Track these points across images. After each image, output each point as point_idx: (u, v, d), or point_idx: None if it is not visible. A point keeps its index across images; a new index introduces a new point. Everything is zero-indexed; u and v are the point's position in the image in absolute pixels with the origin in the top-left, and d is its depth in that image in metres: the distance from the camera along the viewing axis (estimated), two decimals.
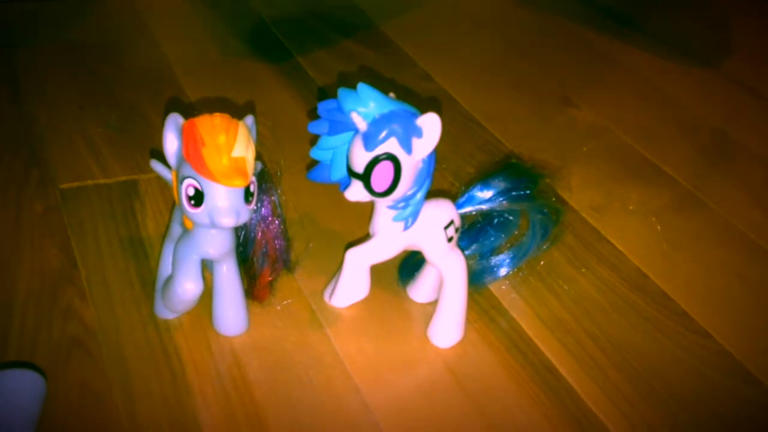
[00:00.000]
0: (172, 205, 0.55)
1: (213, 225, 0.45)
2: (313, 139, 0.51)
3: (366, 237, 0.53)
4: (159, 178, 0.66)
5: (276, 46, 0.93)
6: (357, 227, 0.62)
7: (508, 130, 0.81)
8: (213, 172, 0.43)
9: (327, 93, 0.48)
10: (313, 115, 0.49)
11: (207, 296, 0.52)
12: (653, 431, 0.50)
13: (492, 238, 0.57)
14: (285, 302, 0.56)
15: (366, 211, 0.65)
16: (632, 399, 0.52)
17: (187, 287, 0.48)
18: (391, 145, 0.46)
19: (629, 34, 1.07)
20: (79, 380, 0.48)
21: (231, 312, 0.52)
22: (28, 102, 0.76)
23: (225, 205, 0.44)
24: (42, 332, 0.50)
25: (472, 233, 0.57)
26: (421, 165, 0.48)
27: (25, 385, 0.40)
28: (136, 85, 0.82)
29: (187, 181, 0.44)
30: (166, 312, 0.53)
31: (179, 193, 0.45)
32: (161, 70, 0.85)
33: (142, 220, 0.62)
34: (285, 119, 0.77)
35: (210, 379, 0.49)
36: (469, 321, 0.55)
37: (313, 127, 0.50)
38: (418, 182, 0.49)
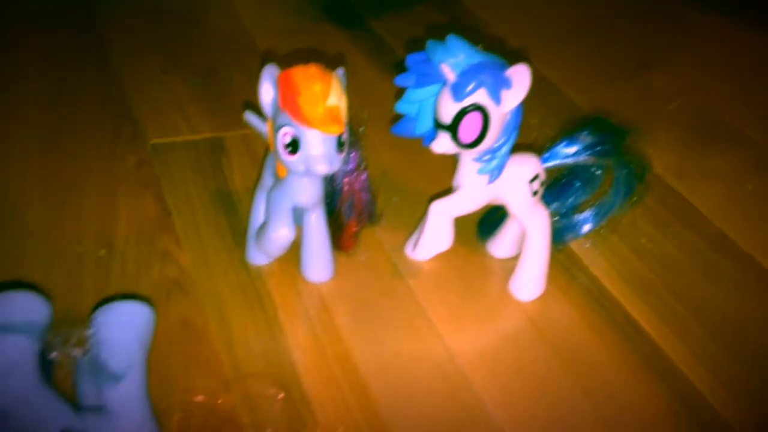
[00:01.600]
0: (263, 157, 0.57)
1: (307, 172, 0.47)
2: (395, 96, 0.52)
3: (448, 191, 0.54)
4: (244, 136, 0.69)
5: (349, 12, 0.95)
6: (435, 185, 0.63)
7: (585, 93, 0.81)
8: (309, 119, 0.45)
9: (403, 63, 0.49)
10: (398, 69, 0.50)
11: (296, 246, 0.54)
12: (737, 384, 0.50)
13: (575, 196, 0.57)
14: (368, 254, 0.58)
15: (443, 169, 0.65)
16: (715, 354, 0.52)
17: (281, 233, 0.50)
18: (480, 96, 0.47)
19: (709, 3, 1.04)
20: (180, 317, 0.50)
21: (319, 259, 0.54)
22: (115, 65, 0.79)
23: (320, 152, 0.46)
24: (142, 273, 0.53)
25: (554, 190, 0.57)
26: (508, 117, 0.49)
27: (138, 316, 0.42)
28: (215, 49, 0.84)
29: (283, 129, 0.46)
30: (257, 258, 0.55)
31: (275, 142, 0.47)
32: (239, 35, 0.87)
33: (230, 175, 0.64)
34: (359, 82, 0.79)
35: (300, 321, 0.51)
36: (550, 278, 0.56)
37: (400, 80, 0.51)
38: (504, 134, 0.49)
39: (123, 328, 0.41)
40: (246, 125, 0.51)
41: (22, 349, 0.37)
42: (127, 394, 0.39)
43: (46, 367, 0.39)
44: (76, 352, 0.38)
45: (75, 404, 0.38)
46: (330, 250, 0.54)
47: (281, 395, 0.45)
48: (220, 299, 0.52)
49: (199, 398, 0.43)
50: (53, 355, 0.38)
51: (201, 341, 0.49)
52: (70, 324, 0.39)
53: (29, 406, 0.35)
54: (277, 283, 0.54)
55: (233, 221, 0.59)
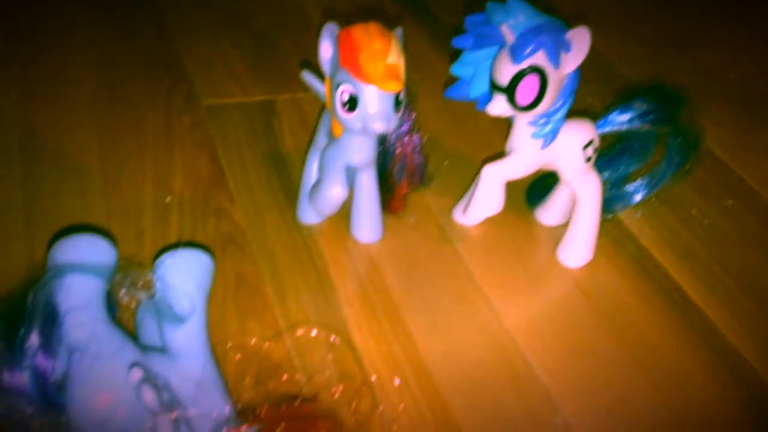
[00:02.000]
0: (315, 120, 0.58)
1: (365, 130, 0.47)
2: (446, 62, 0.52)
3: (498, 157, 0.54)
4: (294, 100, 0.69)
5: None
6: (484, 151, 0.63)
7: (636, 65, 0.80)
8: (369, 76, 0.45)
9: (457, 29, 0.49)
10: (455, 32, 0.50)
11: (346, 207, 0.55)
12: None
13: (626, 165, 0.57)
14: (416, 217, 0.58)
15: (493, 136, 0.66)
16: (762, 325, 0.52)
17: (335, 191, 0.51)
18: (539, 58, 0.47)
19: None
20: (234, 271, 0.52)
21: (369, 220, 0.55)
22: (169, 27, 0.80)
23: (377, 110, 0.46)
24: (198, 228, 0.55)
25: (606, 159, 0.57)
26: (566, 81, 0.49)
27: (199, 263, 0.44)
28: (267, 12, 0.85)
29: (342, 87, 0.47)
30: (309, 218, 0.56)
31: (333, 99, 0.48)
32: (290, 3, 0.88)
33: (281, 137, 0.65)
34: (409, 47, 0.79)
35: (350, 279, 0.52)
36: (598, 246, 0.56)
37: (458, 42, 0.51)
38: (561, 98, 0.49)
39: (185, 274, 0.42)
40: (298, 88, 0.52)
41: (92, 289, 0.38)
42: (189, 337, 0.40)
43: (110, 308, 0.41)
44: (141, 295, 0.40)
45: (139, 344, 0.39)
46: (380, 211, 0.55)
47: (335, 338, 0.46)
48: (272, 255, 0.53)
49: (254, 342, 0.45)
50: (120, 296, 0.40)
51: (254, 294, 0.50)
52: (135, 268, 0.41)
53: (99, 342, 0.36)
54: (328, 243, 0.55)
55: (285, 182, 0.60)
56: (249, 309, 0.49)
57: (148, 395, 0.32)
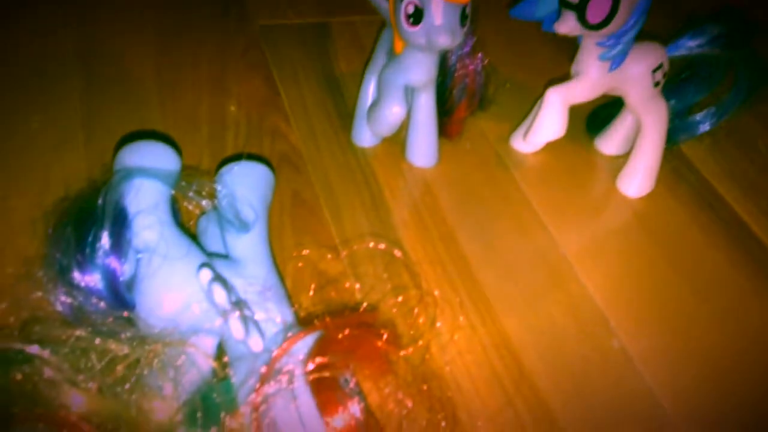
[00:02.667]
0: (373, 41, 0.57)
1: (429, 44, 0.46)
2: None
3: (563, 80, 0.53)
4: (349, 23, 0.68)
5: None
6: (544, 77, 0.61)
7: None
8: None
9: None
10: None
11: (401, 132, 0.54)
12: None
13: (693, 94, 0.55)
14: (472, 142, 0.58)
15: (554, 61, 0.64)
16: None
17: (394, 110, 0.50)
18: None
19: None
20: (291, 190, 0.52)
21: (425, 144, 0.54)
22: None
23: (443, 22, 0.45)
24: (254, 146, 0.54)
25: (672, 87, 0.55)
26: (638, 0, 0.47)
27: (261, 175, 0.44)
28: None
29: None
30: (364, 140, 0.56)
31: (397, 12, 0.46)
32: None
33: (335, 60, 0.64)
34: None
35: (405, 202, 0.52)
36: (659, 177, 0.55)
37: None
38: (632, 18, 0.47)
39: (248, 185, 0.42)
40: (352, 11, 0.51)
41: (159, 193, 0.39)
42: (252, 245, 0.40)
43: (174, 215, 0.41)
44: (205, 203, 0.40)
45: (204, 250, 0.40)
46: (436, 134, 0.54)
47: (398, 252, 0.46)
48: (327, 176, 0.53)
49: (313, 254, 0.45)
50: (185, 203, 0.40)
51: (310, 213, 0.50)
52: (199, 176, 0.41)
53: (168, 243, 0.37)
54: (382, 166, 0.55)
55: (339, 104, 0.60)
56: (305, 227, 0.49)
57: (220, 293, 0.33)
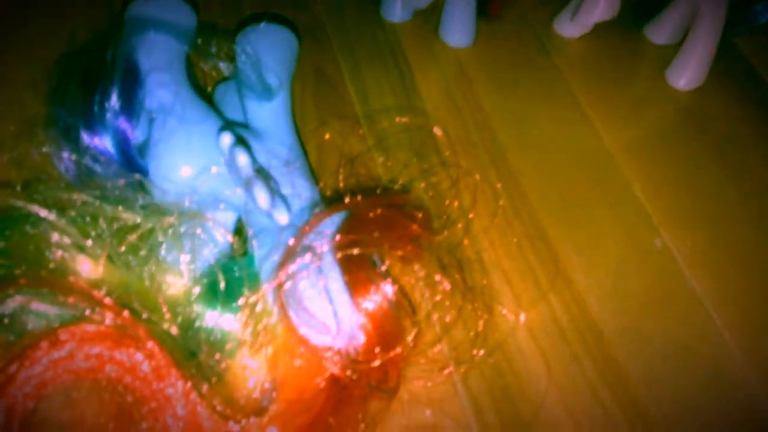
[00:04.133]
0: None
1: None
2: None
3: None
4: None
5: None
6: None
7: None
8: None
9: None
10: None
11: (435, 7, 0.49)
12: None
13: None
14: (512, 24, 0.53)
15: None
16: None
17: None
18: None
19: None
20: (313, 65, 0.48)
21: (461, 20, 0.50)
22: None
23: None
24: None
25: None
26: None
27: (284, 39, 0.39)
28: None
29: None
30: (394, 14, 0.51)
31: None
32: None
33: None
34: None
35: (436, 83, 0.48)
36: (711, 70, 0.50)
37: None
38: None
39: (271, 49, 0.38)
40: None
41: (174, 51, 0.35)
42: (275, 115, 0.37)
43: (190, 77, 0.37)
44: (224, 65, 0.36)
45: (223, 118, 0.37)
46: (474, 12, 0.50)
47: (437, 129, 0.43)
48: (353, 53, 0.49)
49: (338, 131, 0.42)
50: (202, 64, 0.36)
51: (334, 91, 0.46)
52: (218, 36, 0.37)
53: (184, 104, 0.33)
54: (413, 43, 0.50)
55: None
56: (329, 105, 0.45)
57: (243, 158, 0.29)
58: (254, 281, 0.30)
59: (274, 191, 0.31)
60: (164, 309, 0.29)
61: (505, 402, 0.34)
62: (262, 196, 0.29)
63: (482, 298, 0.35)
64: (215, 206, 0.33)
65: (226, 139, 0.30)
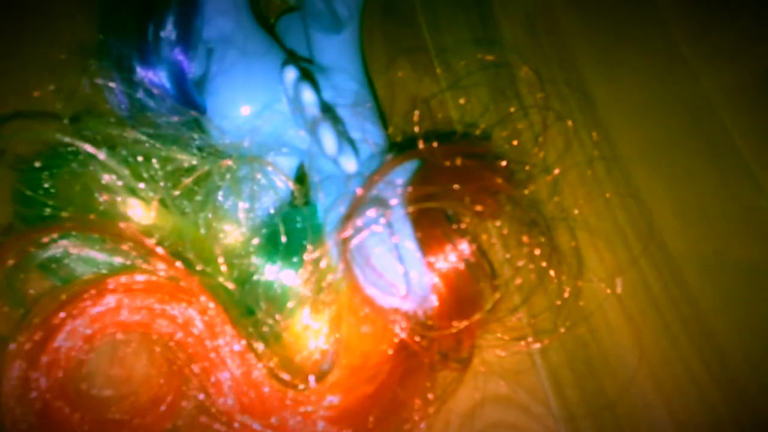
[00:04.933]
0: None
1: None
2: None
3: None
4: None
5: None
6: None
7: None
8: None
9: None
10: None
11: None
12: None
13: None
14: None
15: None
16: None
17: None
18: None
19: None
20: None
21: None
22: None
23: None
24: None
25: None
26: None
27: None
28: None
29: None
30: None
31: None
32: None
33: None
34: None
35: (517, 18, 0.43)
36: None
37: None
38: None
39: None
40: None
41: None
42: (343, 50, 0.33)
43: (251, 5, 0.34)
44: None
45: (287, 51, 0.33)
46: None
47: (527, 71, 0.38)
48: None
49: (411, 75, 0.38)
50: None
51: (405, 26, 0.42)
52: None
53: (245, 35, 0.30)
54: None
55: None
56: (400, 41, 0.41)
57: (309, 94, 0.26)
58: (318, 234, 0.28)
59: (342, 134, 0.27)
60: (220, 260, 0.27)
61: (587, 376, 0.31)
62: (328, 139, 0.26)
63: (569, 262, 0.31)
64: (277, 149, 0.30)
65: (291, 74, 0.27)
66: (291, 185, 0.30)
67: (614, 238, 0.35)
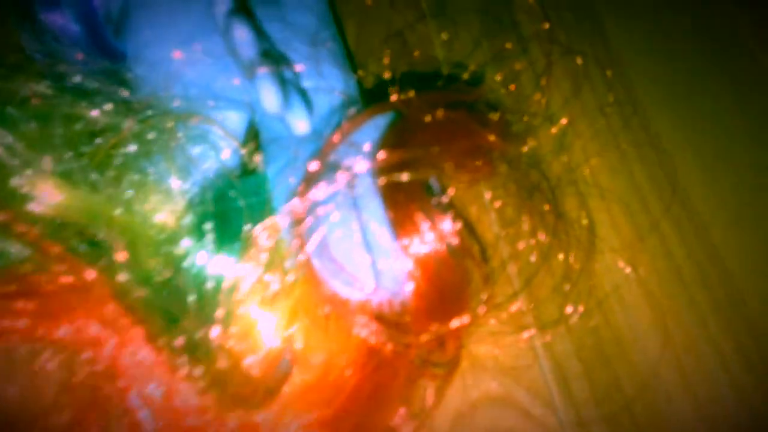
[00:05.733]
0: None
1: None
2: None
3: None
4: None
5: None
6: None
7: None
8: None
9: None
10: None
11: None
12: None
13: None
14: None
15: None
16: None
17: None
18: None
19: None
20: None
21: None
22: None
23: None
24: None
25: None
26: None
27: None
28: None
29: None
30: None
31: None
32: None
33: None
34: None
35: None
36: None
37: None
38: None
39: None
40: None
41: None
42: None
43: None
44: None
45: None
46: None
47: None
48: None
49: None
50: None
51: None
52: None
53: None
54: None
55: None
56: None
57: (242, 31, 0.20)
58: (263, 212, 0.22)
59: (289, 84, 0.21)
60: (141, 248, 0.21)
61: (599, 367, 0.26)
62: (267, 90, 0.20)
63: (578, 235, 0.25)
64: (216, 104, 0.24)
65: (221, 5, 0.21)
66: (236, 149, 0.24)
67: (631, 199, 0.29)
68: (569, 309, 0.25)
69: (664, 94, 0.32)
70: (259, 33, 0.21)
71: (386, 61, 0.26)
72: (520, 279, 0.25)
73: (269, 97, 0.20)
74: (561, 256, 0.24)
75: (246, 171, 0.24)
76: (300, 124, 0.21)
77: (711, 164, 0.30)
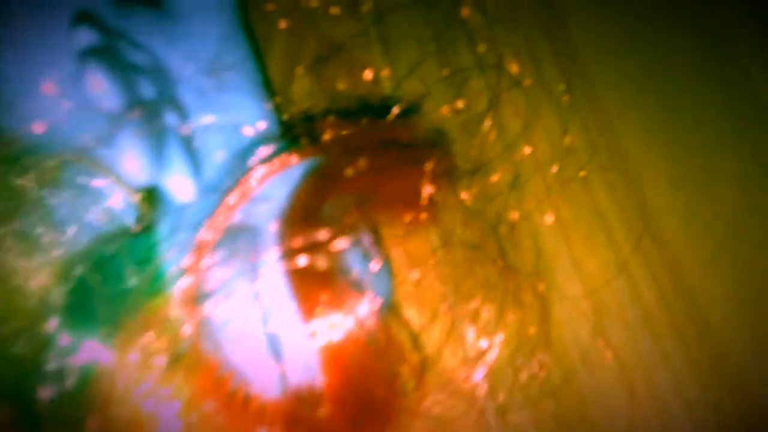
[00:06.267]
0: None
1: None
2: None
3: None
4: None
5: None
6: None
7: None
8: None
9: None
10: None
11: None
12: None
13: None
14: None
15: None
16: None
17: None
18: None
19: None
20: None
21: None
22: None
23: None
24: None
25: None
26: None
27: None
28: None
29: None
30: None
31: None
32: None
33: None
34: None
35: None
36: None
37: None
38: None
39: None
40: None
41: None
42: None
43: None
44: None
45: None
46: None
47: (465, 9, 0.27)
48: None
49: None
50: None
51: None
52: None
53: None
54: None
55: None
56: None
57: (97, 82, 0.16)
58: (153, 283, 0.18)
59: (170, 137, 0.17)
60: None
61: None
62: (128, 155, 0.15)
63: (537, 292, 0.22)
64: (111, 145, 0.20)
65: (81, 40, 0.17)
66: (134, 200, 0.20)
67: (593, 232, 0.25)
68: (524, 375, 0.21)
69: (633, 103, 0.28)
70: (129, 75, 0.17)
71: (306, 80, 0.22)
72: (463, 352, 0.21)
73: (130, 164, 0.16)
74: (513, 317, 0.21)
75: (144, 228, 0.20)
76: (182, 190, 0.17)
77: (685, 188, 0.27)
